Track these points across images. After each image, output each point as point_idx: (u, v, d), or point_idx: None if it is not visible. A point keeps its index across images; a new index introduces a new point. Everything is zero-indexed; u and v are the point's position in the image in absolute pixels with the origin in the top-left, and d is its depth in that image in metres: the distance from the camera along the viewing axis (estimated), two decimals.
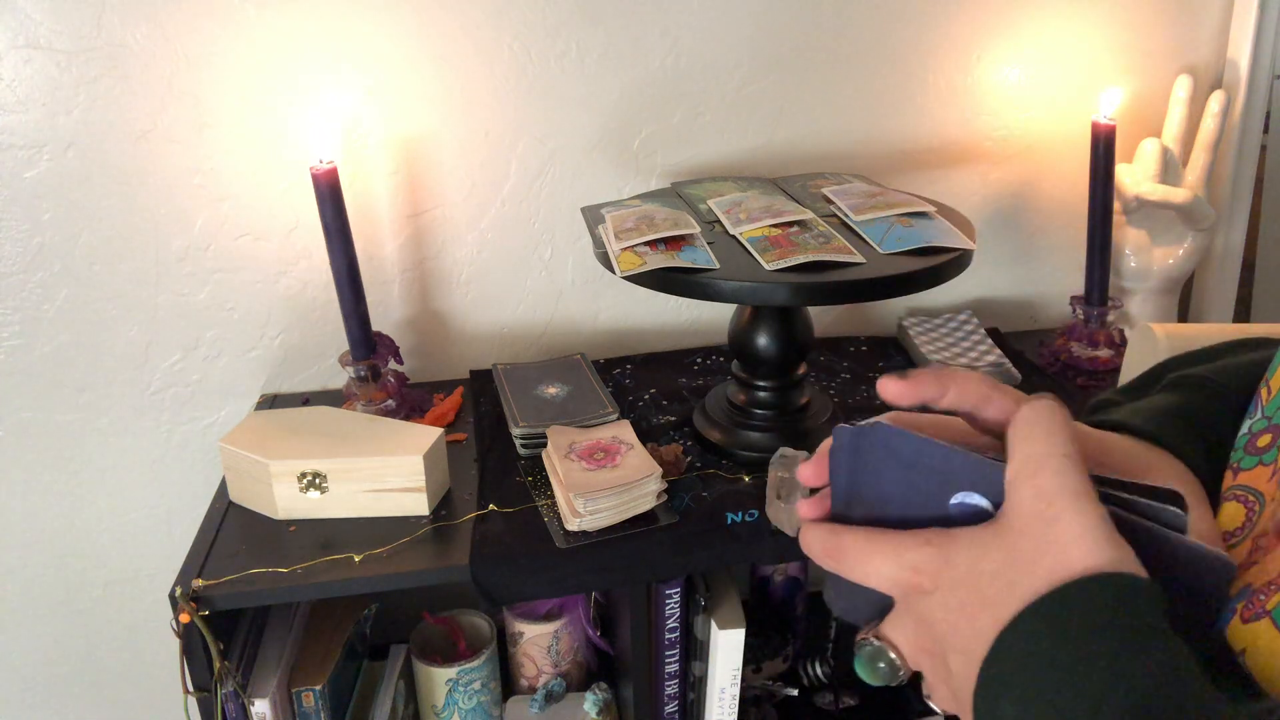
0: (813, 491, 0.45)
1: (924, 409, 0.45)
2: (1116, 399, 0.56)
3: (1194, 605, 0.36)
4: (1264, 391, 0.47)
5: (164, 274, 1.12)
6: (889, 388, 0.42)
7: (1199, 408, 0.51)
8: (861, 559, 0.40)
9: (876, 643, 0.40)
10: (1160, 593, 0.33)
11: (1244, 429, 0.47)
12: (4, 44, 1.01)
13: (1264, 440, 0.46)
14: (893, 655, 0.40)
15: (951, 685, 0.38)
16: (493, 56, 1.10)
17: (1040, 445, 0.37)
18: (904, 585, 0.39)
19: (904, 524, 0.40)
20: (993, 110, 1.24)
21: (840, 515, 0.43)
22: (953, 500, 0.39)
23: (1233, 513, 0.46)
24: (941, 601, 0.37)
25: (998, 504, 0.38)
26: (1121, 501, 0.38)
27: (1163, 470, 0.46)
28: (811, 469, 0.44)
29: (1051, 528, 0.35)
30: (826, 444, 0.44)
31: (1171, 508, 0.38)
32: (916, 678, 0.41)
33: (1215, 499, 0.47)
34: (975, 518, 0.39)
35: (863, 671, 0.41)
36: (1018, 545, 0.35)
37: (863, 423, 0.42)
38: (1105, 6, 1.21)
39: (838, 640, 1.16)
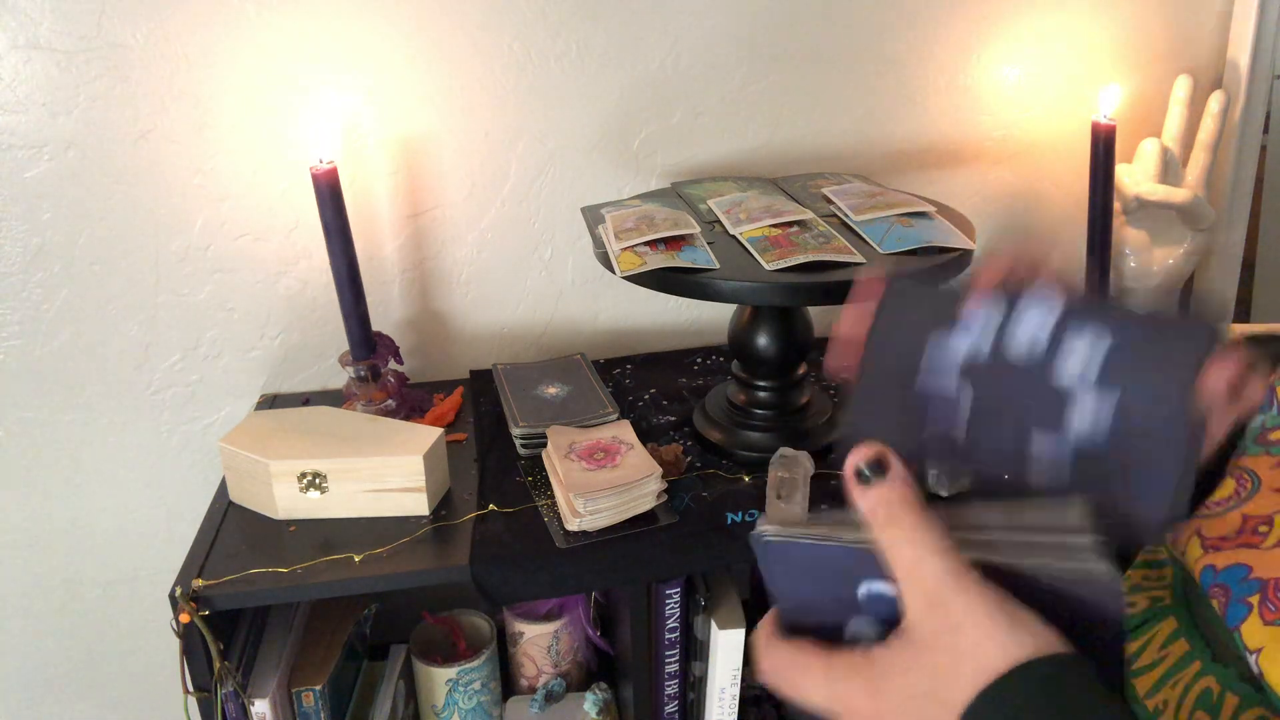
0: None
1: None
2: None
3: (1097, 618, 0.37)
4: (1279, 389, 0.48)
5: (164, 274, 1.12)
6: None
7: None
8: (792, 679, 0.40)
9: None
10: (1077, 659, 0.34)
11: (1255, 423, 0.48)
12: (4, 44, 1.01)
13: (1276, 435, 0.46)
14: None
15: None
16: (493, 56, 1.10)
17: (908, 551, 0.37)
18: (841, 715, 0.39)
19: (826, 628, 0.41)
20: (992, 110, 1.24)
21: (784, 618, 0.43)
22: (860, 591, 0.40)
23: (1223, 488, 0.47)
24: None
25: None
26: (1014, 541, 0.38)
27: None
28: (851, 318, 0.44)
29: (957, 637, 0.35)
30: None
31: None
32: None
33: (1214, 480, 0.48)
34: (888, 604, 0.39)
35: None
36: (936, 662, 0.36)
37: (756, 530, 0.42)
38: (1105, 6, 1.21)
39: None
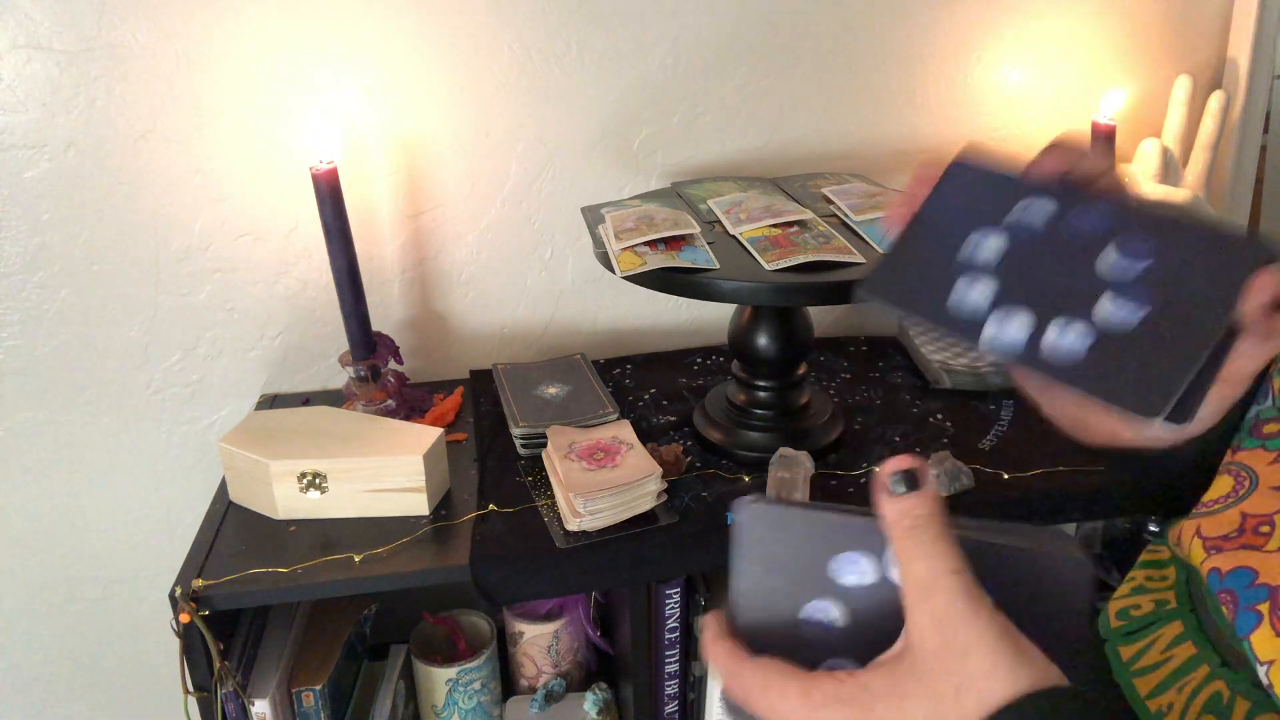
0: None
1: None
2: None
3: (1062, 606, 0.38)
4: (1276, 382, 0.48)
5: (164, 274, 1.12)
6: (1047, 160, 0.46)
7: None
8: (767, 698, 0.38)
9: None
10: (1076, 694, 0.34)
11: (1251, 414, 0.48)
12: (4, 44, 1.01)
13: (1270, 428, 0.46)
14: None
15: None
16: (493, 56, 1.11)
17: (924, 566, 0.36)
18: None
19: (781, 625, 0.40)
20: (993, 110, 1.24)
21: (737, 612, 0.42)
22: (830, 565, 0.40)
23: (1220, 484, 0.47)
24: None
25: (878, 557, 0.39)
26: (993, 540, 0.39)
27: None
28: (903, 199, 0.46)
29: (965, 662, 0.35)
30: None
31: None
32: None
33: (1207, 477, 0.48)
34: (856, 578, 0.39)
35: None
36: (938, 687, 0.35)
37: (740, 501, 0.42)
38: (1105, 7, 1.21)
39: None
